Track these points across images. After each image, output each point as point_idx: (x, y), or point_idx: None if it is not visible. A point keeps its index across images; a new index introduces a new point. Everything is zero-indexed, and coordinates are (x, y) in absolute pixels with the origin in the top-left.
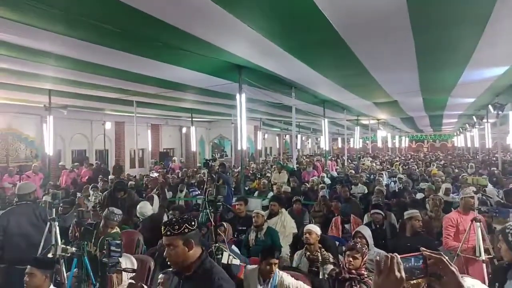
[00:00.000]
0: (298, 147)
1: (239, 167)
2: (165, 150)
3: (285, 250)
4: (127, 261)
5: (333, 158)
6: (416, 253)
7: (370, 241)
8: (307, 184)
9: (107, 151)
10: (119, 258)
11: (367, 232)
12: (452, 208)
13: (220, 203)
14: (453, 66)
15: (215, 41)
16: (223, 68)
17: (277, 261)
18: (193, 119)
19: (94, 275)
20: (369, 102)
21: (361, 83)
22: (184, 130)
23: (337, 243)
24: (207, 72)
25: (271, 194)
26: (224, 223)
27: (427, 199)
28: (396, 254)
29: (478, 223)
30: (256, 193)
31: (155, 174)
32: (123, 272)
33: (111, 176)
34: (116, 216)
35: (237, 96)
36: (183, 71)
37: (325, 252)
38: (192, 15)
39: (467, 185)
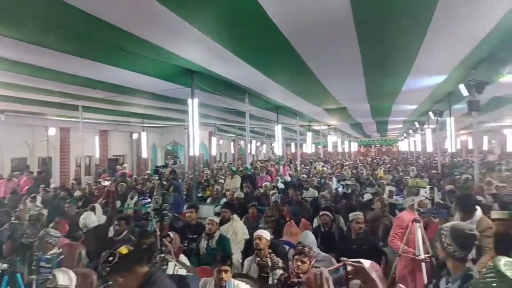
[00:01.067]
0: (253, 152)
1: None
2: (114, 157)
3: (237, 257)
4: (64, 277)
5: (286, 163)
6: (341, 264)
7: (314, 245)
8: (260, 189)
9: (50, 158)
10: (55, 274)
11: (309, 239)
12: (396, 210)
13: (166, 211)
14: (396, 74)
15: (165, 44)
16: (174, 72)
17: (228, 268)
18: (144, 125)
19: None
20: (320, 108)
21: (311, 90)
22: (135, 136)
23: (287, 247)
24: (158, 76)
25: (224, 200)
26: (170, 232)
27: (374, 201)
28: (323, 268)
29: (418, 224)
30: (209, 200)
31: (106, 183)
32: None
33: (53, 185)
34: (52, 238)
35: (189, 101)
36: (133, 75)
37: (274, 257)
38: (140, 18)
39: (409, 187)
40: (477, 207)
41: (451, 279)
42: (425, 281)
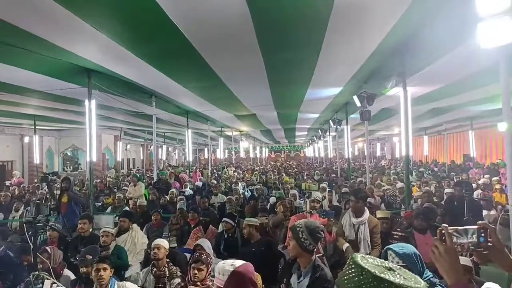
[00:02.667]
0: (164, 158)
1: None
2: (1, 163)
3: (136, 269)
4: None
5: (197, 169)
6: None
7: (211, 252)
8: (166, 196)
9: None
10: None
11: (206, 243)
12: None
13: (41, 224)
14: (298, 84)
15: (59, 42)
16: (69, 70)
17: (107, 266)
18: (38, 127)
19: None
20: (231, 114)
21: (220, 96)
22: (26, 139)
23: (188, 255)
24: (51, 74)
25: (123, 210)
26: (47, 247)
27: (276, 204)
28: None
29: None
30: (109, 209)
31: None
32: None
33: None
34: None
35: (86, 102)
36: (23, 72)
37: (173, 266)
38: (31, 12)
39: (305, 191)
40: (366, 209)
41: (302, 273)
42: None
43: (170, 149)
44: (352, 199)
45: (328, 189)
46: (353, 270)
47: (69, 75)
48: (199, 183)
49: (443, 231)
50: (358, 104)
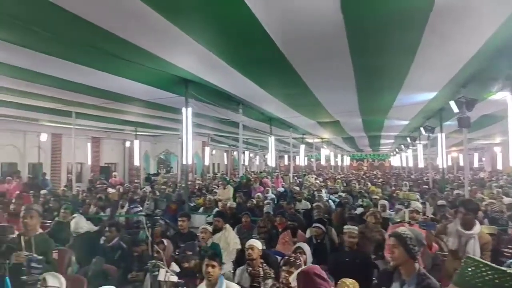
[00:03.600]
0: (246, 163)
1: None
2: (106, 165)
3: (228, 267)
4: (55, 280)
5: (280, 175)
6: None
7: (309, 258)
8: (253, 200)
9: (41, 164)
10: (45, 277)
11: (306, 247)
12: (389, 223)
13: (158, 217)
14: (388, 89)
15: (160, 53)
16: (169, 81)
17: (216, 264)
18: (138, 133)
19: None
20: (313, 121)
21: (304, 103)
22: (127, 144)
23: (279, 258)
24: (152, 84)
25: (216, 210)
26: (164, 239)
27: (366, 214)
28: None
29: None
30: (201, 209)
31: (112, 191)
32: None
33: (43, 191)
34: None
35: (183, 110)
36: (127, 82)
37: (267, 267)
38: (135, 25)
39: (399, 200)
40: (476, 222)
41: (407, 282)
42: None
43: (251, 155)
44: (462, 210)
45: (421, 201)
46: (489, 272)
47: (169, 85)
48: (281, 189)
49: None
50: (456, 110)
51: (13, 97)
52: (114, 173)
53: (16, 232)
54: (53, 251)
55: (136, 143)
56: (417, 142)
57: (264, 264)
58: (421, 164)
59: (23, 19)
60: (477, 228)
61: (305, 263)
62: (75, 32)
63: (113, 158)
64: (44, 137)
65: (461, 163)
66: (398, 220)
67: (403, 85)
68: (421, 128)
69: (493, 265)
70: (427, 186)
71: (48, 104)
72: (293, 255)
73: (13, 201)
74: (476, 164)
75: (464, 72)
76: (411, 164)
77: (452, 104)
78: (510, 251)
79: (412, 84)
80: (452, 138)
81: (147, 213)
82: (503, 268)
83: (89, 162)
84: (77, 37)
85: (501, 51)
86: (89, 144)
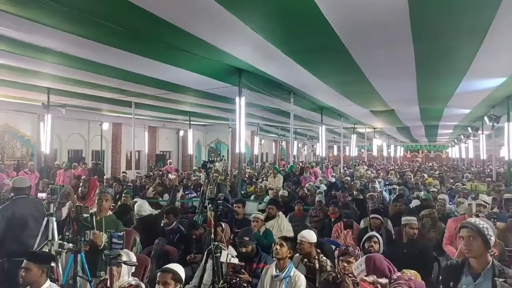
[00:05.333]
0: (295, 153)
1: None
2: (161, 153)
3: None
4: (128, 256)
5: (329, 165)
6: None
7: (382, 248)
8: (304, 189)
9: (103, 152)
10: (120, 252)
11: (379, 236)
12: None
13: (221, 201)
14: (451, 76)
15: (217, 42)
16: (223, 70)
17: (283, 242)
18: (191, 122)
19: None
20: (366, 110)
21: (359, 90)
22: (181, 133)
23: (333, 247)
24: (206, 74)
25: (267, 198)
26: (222, 223)
27: (422, 214)
28: None
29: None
30: (252, 197)
31: (172, 176)
32: (123, 267)
33: (106, 176)
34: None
35: (237, 99)
36: (182, 72)
37: (323, 258)
38: (195, 16)
39: (466, 191)
40: None
41: (482, 273)
42: None
43: (299, 145)
44: None
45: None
46: None
47: (223, 75)
48: (332, 179)
49: None
50: None
51: (80, 88)
52: (169, 161)
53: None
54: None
55: (190, 132)
56: (479, 132)
57: (321, 255)
58: (483, 156)
59: (91, 13)
60: None
61: (378, 252)
62: (135, 23)
63: (168, 147)
64: (106, 126)
65: None
66: (463, 213)
67: (468, 71)
68: (485, 117)
69: None
70: (490, 179)
71: (110, 94)
72: (351, 244)
73: (81, 184)
74: None
75: None
76: (471, 155)
77: None
78: None
79: (478, 70)
80: None
81: (211, 197)
82: None
83: (146, 150)
84: (137, 29)
85: None
86: (146, 133)
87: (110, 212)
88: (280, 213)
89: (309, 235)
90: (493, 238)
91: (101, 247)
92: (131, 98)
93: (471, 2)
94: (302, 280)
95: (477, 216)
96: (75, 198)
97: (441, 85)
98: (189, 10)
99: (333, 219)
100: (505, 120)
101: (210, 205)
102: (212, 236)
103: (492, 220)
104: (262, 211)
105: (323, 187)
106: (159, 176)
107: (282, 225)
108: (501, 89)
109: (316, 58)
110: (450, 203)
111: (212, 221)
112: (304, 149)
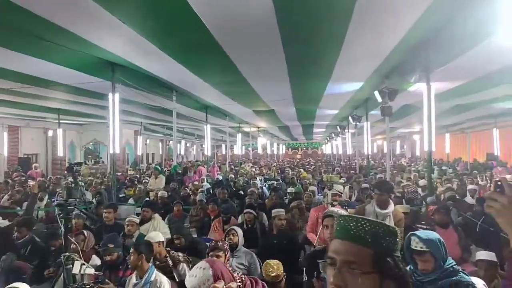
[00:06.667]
0: (182, 153)
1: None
2: (25, 156)
3: None
4: None
5: (215, 164)
6: None
7: (241, 240)
8: (186, 189)
9: None
10: None
11: (238, 229)
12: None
13: (72, 207)
14: (318, 79)
15: (84, 34)
16: (94, 64)
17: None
18: (61, 121)
19: None
20: (249, 110)
21: (240, 91)
22: (50, 133)
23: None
24: (76, 68)
25: (145, 200)
26: (84, 231)
27: (291, 206)
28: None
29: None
30: (131, 200)
31: (32, 183)
32: None
33: None
34: None
35: (110, 95)
36: (47, 65)
37: (174, 253)
38: (58, 4)
39: (325, 183)
40: (391, 201)
41: None
42: None
43: (188, 144)
44: (377, 192)
45: (348, 185)
46: (367, 224)
47: (94, 69)
48: (219, 177)
49: (499, 183)
50: (379, 99)
51: None
52: (34, 165)
53: None
54: None
55: (60, 131)
56: (345, 130)
57: (172, 252)
58: (349, 152)
59: None
60: (391, 207)
61: (237, 245)
62: None
63: (34, 149)
64: None
65: (385, 150)
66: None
67: (332, 74)
68: (349, 117)
69: (369, 218)
70: (354, 172)
71: None
72: (220, 240)
73: None
74: (398, 151)
75: (387, 63)
76: (341, 151)
77: (376, 93)
78: (423, 226)
79: (340, 74)
80: (377, 127)
81: (59, 203)
82: (377, 220)
83: (6, 153)
84: None
85: (419, 44)
86: (5, 133)
87: None
88: (156, 215)
89: (155, 235)
90: None
91: None
92: None
93: (327, 10)
94: (165, 282)
95: (332, 204)
96: None
97: (312, 87)
98: None
99: (212, 217)
100: (365, 120)
101: (59, 211)
102: (63, 245)
103: (344, 207)
104: None
105: (206, 185)
106: (19, 183)
107: (158, 227)
108: (360, 92)
109: (194, 56)
110: (319, 194)
111: (63, 229)
112: (193, 149)
